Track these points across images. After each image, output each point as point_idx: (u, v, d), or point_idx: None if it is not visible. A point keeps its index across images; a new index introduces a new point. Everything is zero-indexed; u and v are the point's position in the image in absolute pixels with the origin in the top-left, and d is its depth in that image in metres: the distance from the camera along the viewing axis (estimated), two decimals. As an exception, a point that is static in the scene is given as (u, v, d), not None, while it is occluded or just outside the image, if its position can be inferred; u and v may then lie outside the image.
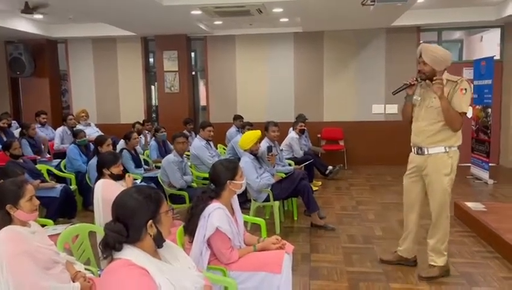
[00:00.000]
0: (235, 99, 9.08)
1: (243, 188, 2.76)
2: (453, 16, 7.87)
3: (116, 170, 3.40)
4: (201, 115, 9.90)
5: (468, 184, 6.88)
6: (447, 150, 3.25)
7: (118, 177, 3.40)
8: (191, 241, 2.59)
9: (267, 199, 4.68)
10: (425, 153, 3.31)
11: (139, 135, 7.23)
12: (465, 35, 9.75)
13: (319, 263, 3.79)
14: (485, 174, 6.90)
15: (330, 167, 7.35)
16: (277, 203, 4.65)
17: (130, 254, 1.55)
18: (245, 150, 4.75)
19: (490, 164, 6.97)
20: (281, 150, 5.95)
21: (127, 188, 1.69)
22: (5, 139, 6.77)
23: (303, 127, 6.90)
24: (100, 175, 3.43)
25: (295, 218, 5.10)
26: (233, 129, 7.65)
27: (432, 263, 3.44)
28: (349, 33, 8.46)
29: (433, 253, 3.44)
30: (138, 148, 6.92)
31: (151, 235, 1.60)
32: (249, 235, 2.89)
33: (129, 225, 1.57)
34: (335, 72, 8.61)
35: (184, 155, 4.92)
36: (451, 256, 3.84)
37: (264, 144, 5.27)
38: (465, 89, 3.15)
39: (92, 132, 7.86)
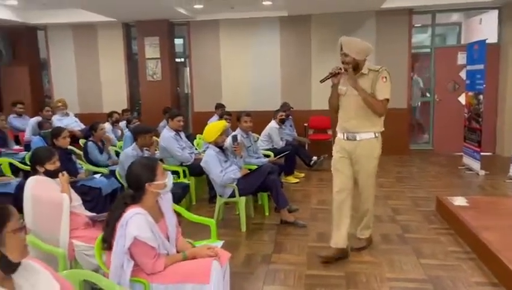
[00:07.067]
0: (220, 87, 8.75)
1: (169, 188, 2.46)
2: (448, -5, 7.45)
3: (51, 166, 3.13)
4: (188, 104, 9.60)
5: (458, 175, 6.54)
6: (377, 135, 3.46)
7: (53, 175, 3.13)
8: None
9: (233, 195, 4.40)
10: (356, 138, 3.43)
11: (113, 125, 7.00)
12: (464, 18, 9.31)
13: (279, 265, 3.51)
14: (476, 165, 6.54)
15: (315, 158, 7.03)
16: (243, 199, 4.35)
17: (-40, 284, 1.28)
18: (209, 143, 4.46)
19: (483, 154, 6.61)
20: (256, 140, 5.65)
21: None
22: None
23: (283, 117, 6.57)
24: (34, 172, 3.16)
25: (266, 214, 4.82)
26: (214, 118, 7.32)
27: (361, 236, 3.78)
28: (337, 16, 8.04)
29: (363, 229, 3.78)
30: (114, 140, 6.68)
31: (-7, 260, 1.32)
32: (183, 241, 2.61)
33: None
34: (323, 57, 8.21)
35: (146, 149, 4.62)
36: (422, 257, 3.56)
37: (238, 135, 4.97)
38: (386, 77, 3.32)
39: (70, 122, 7.63)
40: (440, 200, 4.68)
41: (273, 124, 6.51)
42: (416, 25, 8.58)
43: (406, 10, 7.92)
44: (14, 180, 4.56)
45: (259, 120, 6.27)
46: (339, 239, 3.50)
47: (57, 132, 4.47)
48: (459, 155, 7.38)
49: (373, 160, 3.49)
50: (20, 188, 4.40)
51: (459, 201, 4.57)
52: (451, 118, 8.05)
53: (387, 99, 3.32)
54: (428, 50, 8.49)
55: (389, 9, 7.76)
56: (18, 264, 1.40)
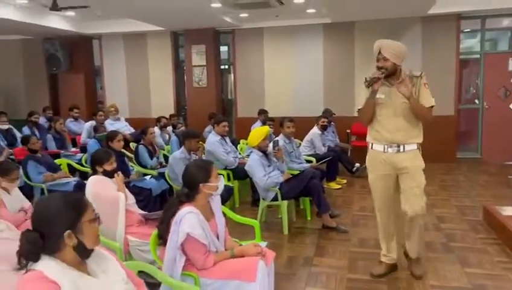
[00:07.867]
0: (263, 93, 8.92)
1: (220, 191, 2.62)
2: (499, 0, 7.22)
3: (108, 167, 3.38)
4: (232, 110, 9.83)
5: (507, 185, 6.31)
6: (419, 147, 3.22)
7: (110, 175, 3.38)
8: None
9: (276, 198, 4.52)
10: (401, 150, 3.17)
11: (161, 129, 7.30)
12: (516, 22, 8.96)
13: (320, 267, 3.59)
14: (528, 174, 6.31)
15: (357, 165, 7.01)
16: (285, 202, 4.46)
17: (45, 265, 1.46)
18: (253, 147, 4.61)
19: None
20: (298, 146, 5.73)
21: (50, 194, 1.60)
22: (37, 133, 7.09)
23: (325, 123, 6.63)
24: (94, 172, 3.42)
25: (308, 218, 4.89)
26: (258, 124, 7.49)
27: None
28: (381, 23, 7.97)
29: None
30: (161, 143, 6.98)
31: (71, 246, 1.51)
32: (230, 240, 2.75)
33: (45, 235, 1.48)
34: (367, 64, 8.14)
35: (193, 153, 4.82)
36: (468, 266, 3.51)
37: (280, 141, 5.09)
38: (427, 83, 3.17)
39: (121, 126, 8.01)
40: (487, 210, 4.57)
41: (315, 130, 6.58)
42: (465, 30, 8.37)
43: (454, 15, 7.76)
44: (72, 180, 4.91)
45: (301, 126, 6.34)
46: (392, 254, 3.40)
47: (112, 135, 4.78)
48: (509, 164, 7.12)
49: (421, 172, 3.19)
50: (78, 187, 4.77)
51: (509, 211, 4.44)
52: (501, 126, 7.78)
53: (433, 106, 3.17)
54: (477, 56, 8.25)
55: (436, 15, 7.62)
56: (91, 251, 1.59)
